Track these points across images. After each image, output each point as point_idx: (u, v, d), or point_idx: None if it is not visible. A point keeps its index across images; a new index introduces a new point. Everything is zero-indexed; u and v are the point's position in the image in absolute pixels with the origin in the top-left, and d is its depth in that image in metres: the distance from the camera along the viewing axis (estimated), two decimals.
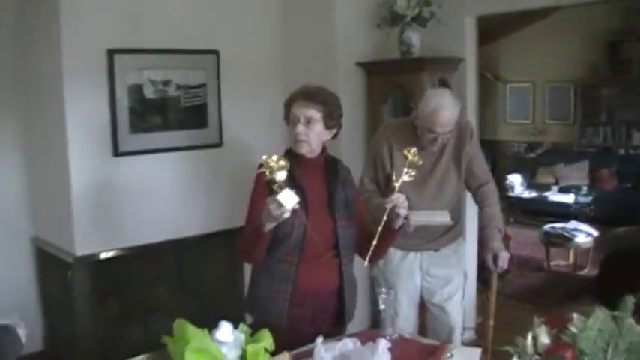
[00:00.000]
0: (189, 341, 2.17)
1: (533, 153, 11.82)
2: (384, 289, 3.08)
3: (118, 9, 4.75)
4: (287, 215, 2.65)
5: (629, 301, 2.18)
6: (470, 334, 5.16)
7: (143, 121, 4.95)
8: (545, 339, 2.20)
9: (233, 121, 5.41)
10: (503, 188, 10.16)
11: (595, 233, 8.09)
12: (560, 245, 8.15)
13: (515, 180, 11.09)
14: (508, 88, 12.15)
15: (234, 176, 5.05)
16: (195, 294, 5.38)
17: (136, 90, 4.88)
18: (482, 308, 5.29)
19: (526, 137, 11.97)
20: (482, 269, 4.71)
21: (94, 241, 4.79)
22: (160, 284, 5.26)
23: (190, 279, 5.40)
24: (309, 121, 3.05)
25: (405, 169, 2.90)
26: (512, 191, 10.93)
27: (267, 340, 2.34)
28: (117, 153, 4.84)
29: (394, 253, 3.94)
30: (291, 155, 2.98)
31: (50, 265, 5.14)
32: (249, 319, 3.34)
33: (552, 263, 8.17)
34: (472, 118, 5.26)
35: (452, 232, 4.00)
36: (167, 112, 5.07)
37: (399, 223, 3.03)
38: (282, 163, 2.56)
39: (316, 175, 3.16)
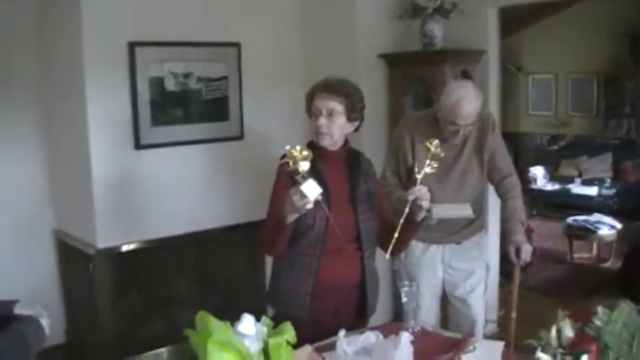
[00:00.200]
0: (211, 334, 2.17)
1: (556, 145, 11.71)
2: (406, 282, 3.09)
3: (139, 1, 4.77)
4: (310, 206, 2.65)
5: None
6: (492, 327, 5.17)
7: (164, 113, 4.96)
8: (569, 332, 2.19)
9: (254, 113, 5.41)
10: (525, 180, 10.08)
11: (618, 226, 8.04)
12: (584, 238, 8.11)
13: (538, 172, 11.02)
14: (530, 79, 12.03)
15: (255, 169, 5.06)
16: (216, 287, 5.40)
17: (157, 83, 4.90)
18: (504, 301, 5.26)
19: (548, 129, 11.86)
20: (505, 262, 4.70)
21: (116, 233, 4.81)
22: (181, 277, 5.29)
23: (212, 272, 5.42)
24: (331, 114, 3.05)
25: (427, 161, 2.89)
26: (535, 184, 10.86)
27: (289, 333, 2.34)
28: (138, 146, 4.86)
29: (416, 246, 3.94)
30: (313, 148, 2.95)
31: (72, 257, 5.17)
32: (270, 312, 3.35)
33: (575, 256, 8.12)
34: (494, 110, 5.22)
35: (474, 224, 3.98)
36: (188, 104, 5.08)
37: (421, 215, 3.03)
38: (305, 153, 2.56)
39: (338, 167, 3.16)
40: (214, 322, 2.23)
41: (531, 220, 7.75)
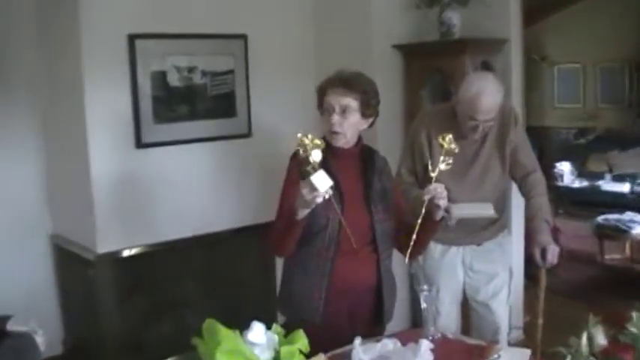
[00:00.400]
0: (220, 343, 2.18)
1: (584, 139, 11.66)
2: (425, 286, 3.07)
3: None
4: (320, 200, 2.65)
5: None
6: (517, 334, 5.15)
7: (167, 110, 4.96)
8: (601, 339, 2.18)
9: (263, 109, 5.42)
10: (551, 177, 10.05)
11: None
12: (615, 238, 8.04)
13: (565, 168, 10.98)
14: (556, 70, 11.98)
15: (264, 167, 5.07)
16: (225, 292, 5.39)
17: (160, 77, 4.90)
18: (530, 306, 5.26)
19: (576, 122, 11.80)
20: (530, 264, 4.68)
21: (117, 237, 4.82)
22: (187, 282, 5.28)
23: (220, 276, 5.41)
24: (344, 111, 3.05)
25: (442, 157, 2.89)
26: (561, 180, 10.83)
27: (301, 341, 2.35)
28: (140, 144, 4.87)
29: (434, 248, 3.93)
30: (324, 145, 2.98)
31: (70, 263, 5.18)
32: (281, 319, 3.35)
33: (606, 257, 8.08)
34: (517, 103, 5.21)
35: (495, 224, 3.97)
36: (193, 100, 5.09)
37: (440, 214, 3.03)
38: (317, 142, 2.58)
39: (351, 166, 3.17)
40: (223, 331, 2.23)
41: (557, 219, 7.71)
